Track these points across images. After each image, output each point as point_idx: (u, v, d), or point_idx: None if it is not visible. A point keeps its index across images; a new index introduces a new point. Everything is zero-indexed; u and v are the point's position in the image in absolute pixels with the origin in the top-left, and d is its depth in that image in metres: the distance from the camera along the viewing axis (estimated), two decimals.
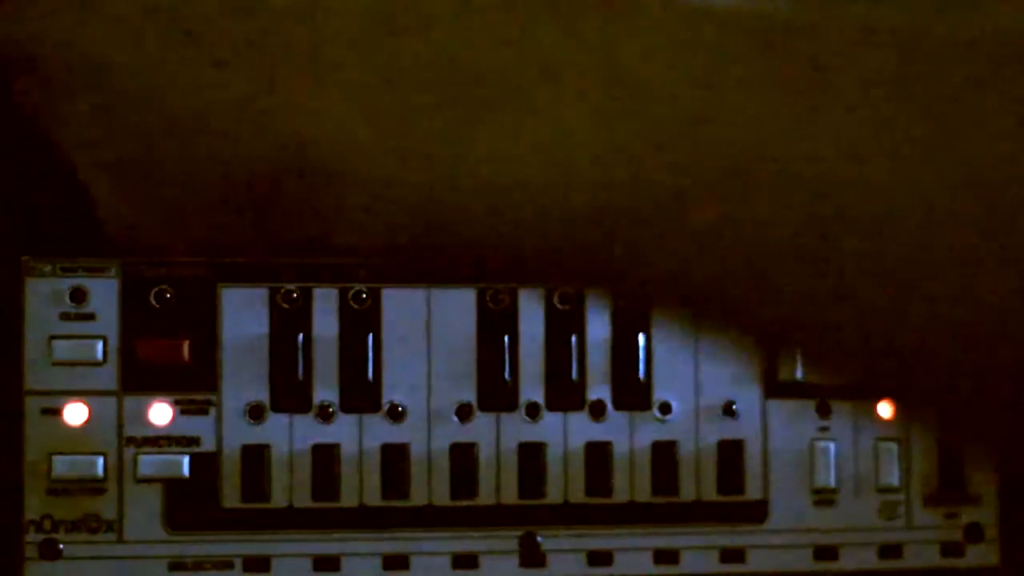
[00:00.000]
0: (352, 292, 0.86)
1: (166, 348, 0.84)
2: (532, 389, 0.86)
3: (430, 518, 0.86)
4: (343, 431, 0.85)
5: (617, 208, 0.48)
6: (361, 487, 0.85)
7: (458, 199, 0.49)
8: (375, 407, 0.86)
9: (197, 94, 0.52)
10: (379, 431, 0.85)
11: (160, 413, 0.84)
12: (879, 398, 0.89)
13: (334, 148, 0.50)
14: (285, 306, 0.85)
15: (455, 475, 0.86)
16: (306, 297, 0.85)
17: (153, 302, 0.84)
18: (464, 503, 0.86)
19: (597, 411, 0.87)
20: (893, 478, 0.88)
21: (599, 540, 0.87)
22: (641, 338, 0.87)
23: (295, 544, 0.85)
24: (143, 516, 0.84)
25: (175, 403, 0.84)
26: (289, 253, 0.85)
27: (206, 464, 0.84)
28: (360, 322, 0.86)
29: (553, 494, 0.86)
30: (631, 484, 0.87)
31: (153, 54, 0.53)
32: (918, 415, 0.84)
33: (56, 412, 0.83)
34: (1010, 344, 0.46)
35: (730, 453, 0.87)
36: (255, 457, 0.84)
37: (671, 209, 0.47)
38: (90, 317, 0.84)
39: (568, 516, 0.86)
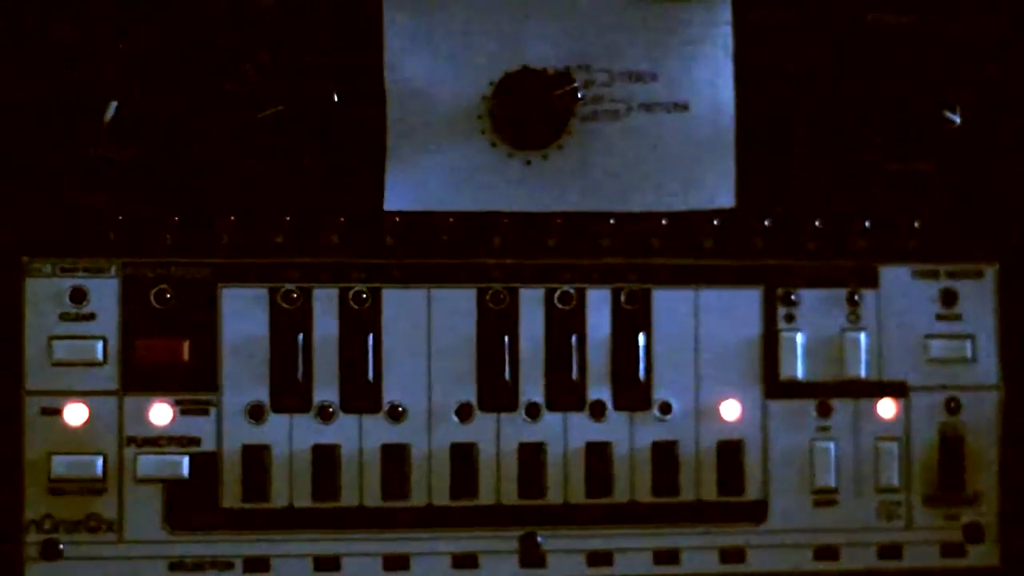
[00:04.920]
0: (352, 292, 0.86)
1: (166, 348, 0.84)
2: (532, 389, 0.86)
3: (430, 518, 0.86)
4: (343, 431, 0.85)
5: None
6: (361, 487, 0.85)
7: None
8: (375, 407, 0.86)
9: None
10: (379, 431, 0.85)
11: (160, 413, 0.84)
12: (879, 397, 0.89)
13: None
14: (285, 306, 0.85)
15: (455, 475, 0.86)
16: (306, 297, 0.85)
17: (153, 302, 0.84)
18: (464, 503, 0.86)
19: (597, 411, 0.87)
20: (893, 478, 0.88)
21: (599, 540, 0.87)
22: (641, 338, 0.87)
23: (295, 544, 0.85)
24: (143, 516, 0.84)
25: (175, 403, 0.84)
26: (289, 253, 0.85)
27: (206, 464, 0.84)
28: (360, 322, 0.86)
29: (553, 494, 0.86)
30: (631, 484, 0.87)
31: None
32: None
33: (56, 412, 0.83)
34: None
35: (730, 453, 0.87)
36: (255, 457, 0.84)
37: None
38: (90, 317, 0.84)
39: (568, 516, 0.86)
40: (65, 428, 0.83)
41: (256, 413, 0.85)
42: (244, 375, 0.85)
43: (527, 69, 0.85)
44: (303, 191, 0.85)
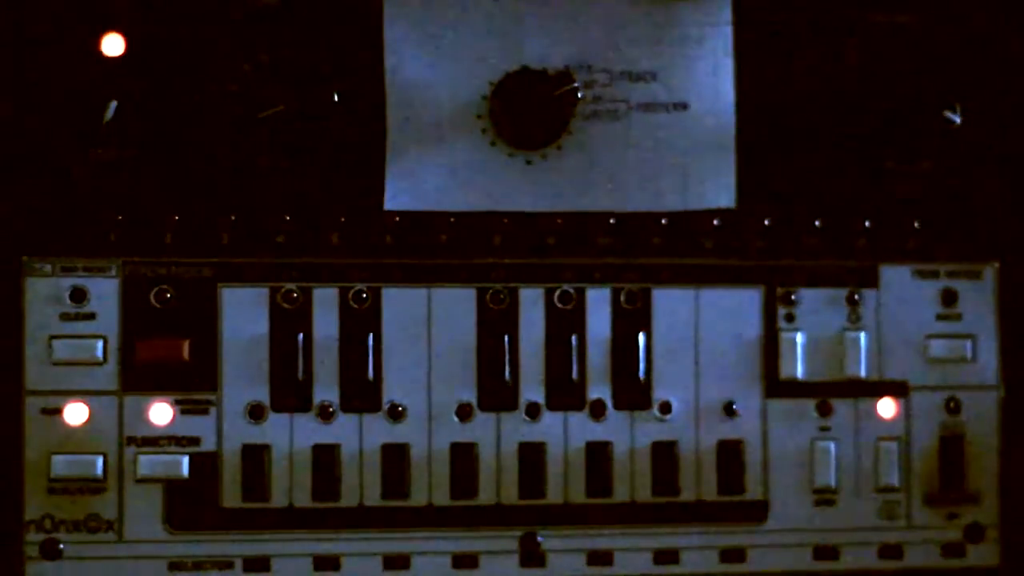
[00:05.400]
0: (352, 292, 0.86)
1: (166, 348, 0.84)
2: (532, 389, 0.86)
3: (430, 518, 0.86)
4: (343, 431, 0.85)
5: None
6: (361, 487, 0.85)
7: None
8: (375, 407, 0.86)
9: None
10: (379, 431, 0.85)
11: (160, 413, 0.84)
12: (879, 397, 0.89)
13: None
14: (285, 306, 0.85)
15: (455, 475, 0.86)
16: (306, 297, 0.85)
17: (153, 302, 0.84)
18: (464, 503, 0.86)
19: (597, 411, 0.87)
20: (893, 478, 0.88)
21: (599, 540, 0.87)
22: (641, 338, 0.87)
23: (295, 544, 0.85)
24: (143, 516, 0.84)
25: (175, 403, 0.84)
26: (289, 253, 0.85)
27: (206, 464, 0.84)
28: (360, 322, 0.86)
29: (553, 494, 0.86)
30: (631, 484, 0.87)
31: None
32: None
33: (56, 412, 0.83)
34: None
35: (730, 453, 0.87)
36: (255, 457, 0.84)
37: None
38: (90, 317, 0.84)
39: (568, 516, 0.86)
40: (65, 428, 0.83)
41: (256, 413, 0.85)
42: (244, 375, 0.85)
43: (527, 69, 0.85)
44: (303, 191, 0.85)
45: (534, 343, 0.87)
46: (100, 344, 0.84)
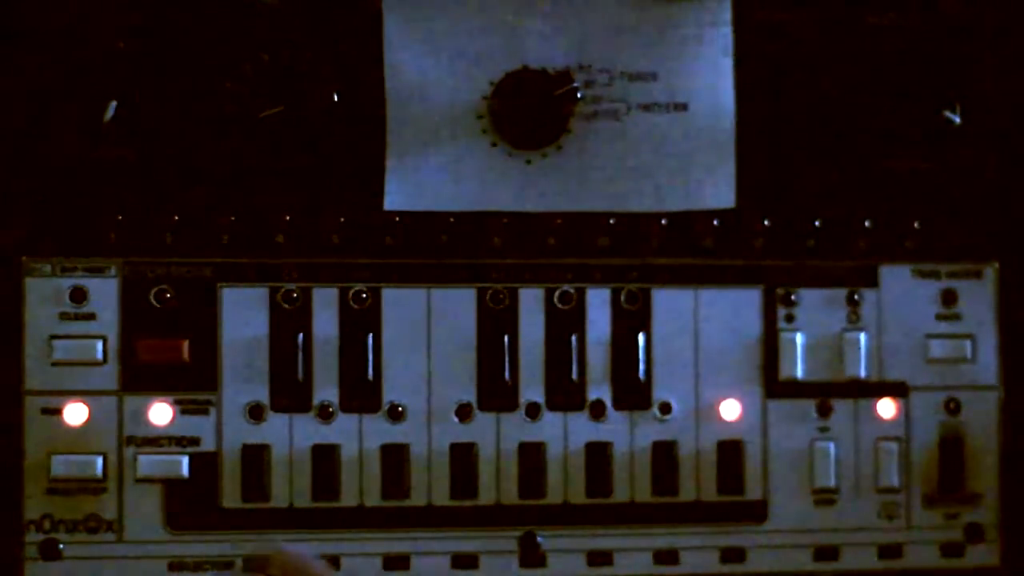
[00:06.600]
0: (352, 292, 0.86)
1: (166, 348, 0.84)
2: (532, 389, 0.86)
3: (430, 518, 0.86)
4: (343, 431, 0.85)
5: None
6: (361, 487, 0.85)
7: None
8: (375, 407, 0.86)
9: None
10: (379, 431, 0.85)
11: (160, 413, 0.84)
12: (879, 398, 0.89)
13: None
14: (285, 306, 0.85)
15: (455, 475, 0.86)
16: (306, 297, 0.85)
17: (153, 302, 0.84)
18: (464, 503, 0.86)
19: (597, 411, 0.87)
20: (893, 478, 0.88)
21: (599, 540, 0.87)
22: (641, 338, 0.87)
23: (295, 544, 0.85)
24: (143, 516, 0.84)
25: (175, 403, 0.84)
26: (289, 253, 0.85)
27: (206, 464, 0.84)
28: (360, 322, 0.86)
29: (553, 494, 0.86)
30: (631, 484, 0.87)
31: None
32: None
33: (56, 412, 0.83)
34: None
35: (730, 453, 0.87)
36: (255, 457, 0.84)
37: None
38: (90, 317, 0.84)
39: (568, 516, 0.86)
40: (65, 428, 0.83)
41: (256, 413, 0.85)
42: (244, 375, 0.85)
43: (527, 69, 0.85)
44: (303, 191, 0.85)
45: (534, 343, 0.87)
46: (100, 344, 0.84)
